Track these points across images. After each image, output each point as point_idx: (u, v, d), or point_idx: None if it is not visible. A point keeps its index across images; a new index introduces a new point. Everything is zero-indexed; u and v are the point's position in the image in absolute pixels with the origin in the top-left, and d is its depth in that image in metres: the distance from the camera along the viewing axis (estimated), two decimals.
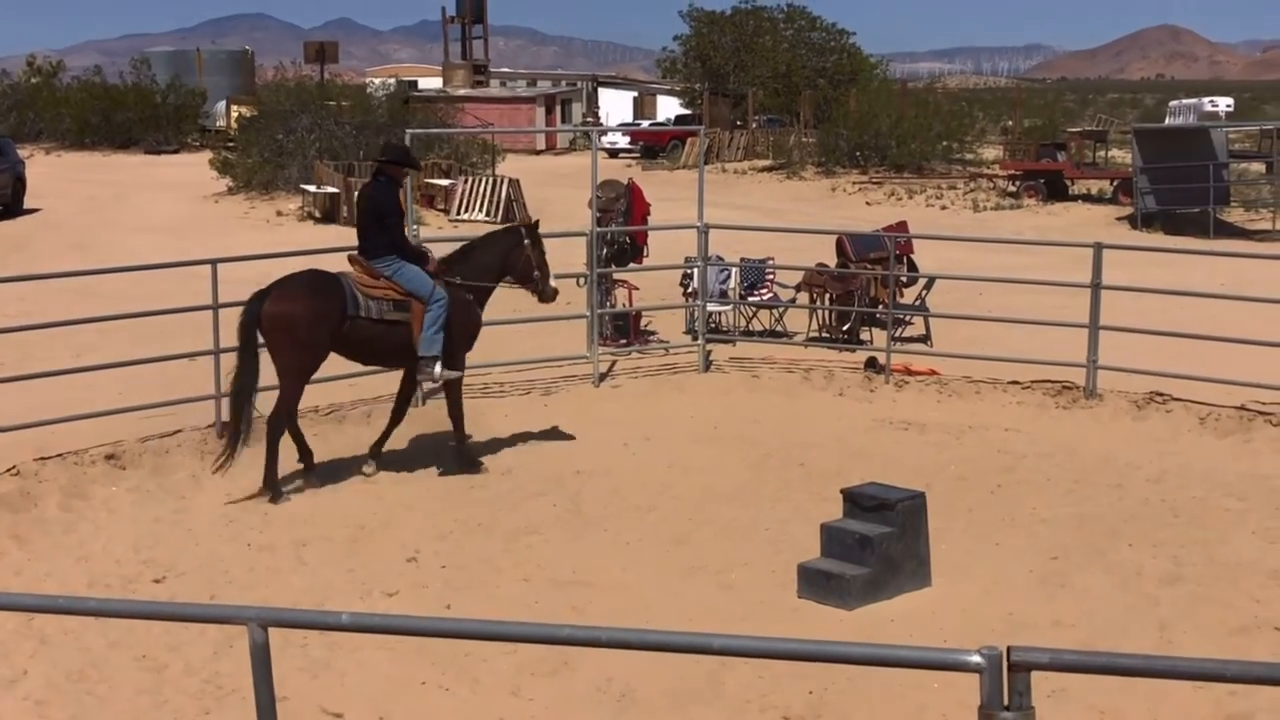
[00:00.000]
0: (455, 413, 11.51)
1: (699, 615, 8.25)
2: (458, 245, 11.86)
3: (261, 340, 10.65)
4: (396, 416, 11.60)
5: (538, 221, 12.34)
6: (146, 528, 10.03)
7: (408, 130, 15.50)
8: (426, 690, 7.34)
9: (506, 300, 16.57)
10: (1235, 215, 32.46)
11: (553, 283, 11.76)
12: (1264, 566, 9.05)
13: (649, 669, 7.21)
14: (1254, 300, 13.68)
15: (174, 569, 9.17)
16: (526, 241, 11.63)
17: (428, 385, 12.07)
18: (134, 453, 11.35)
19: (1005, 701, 3.77)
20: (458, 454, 11.52)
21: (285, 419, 10.80)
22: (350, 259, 11.17)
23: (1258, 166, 41.40)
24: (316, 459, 11.10)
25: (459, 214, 31.27)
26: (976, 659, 3.78)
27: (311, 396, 11.63)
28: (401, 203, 11.64)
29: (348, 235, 12.49)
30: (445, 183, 32.64)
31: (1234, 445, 11.90)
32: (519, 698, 7.26)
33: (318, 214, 29.96)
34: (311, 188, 30.86)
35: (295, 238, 26.29)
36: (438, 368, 11.09)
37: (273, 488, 10.63)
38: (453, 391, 11.47)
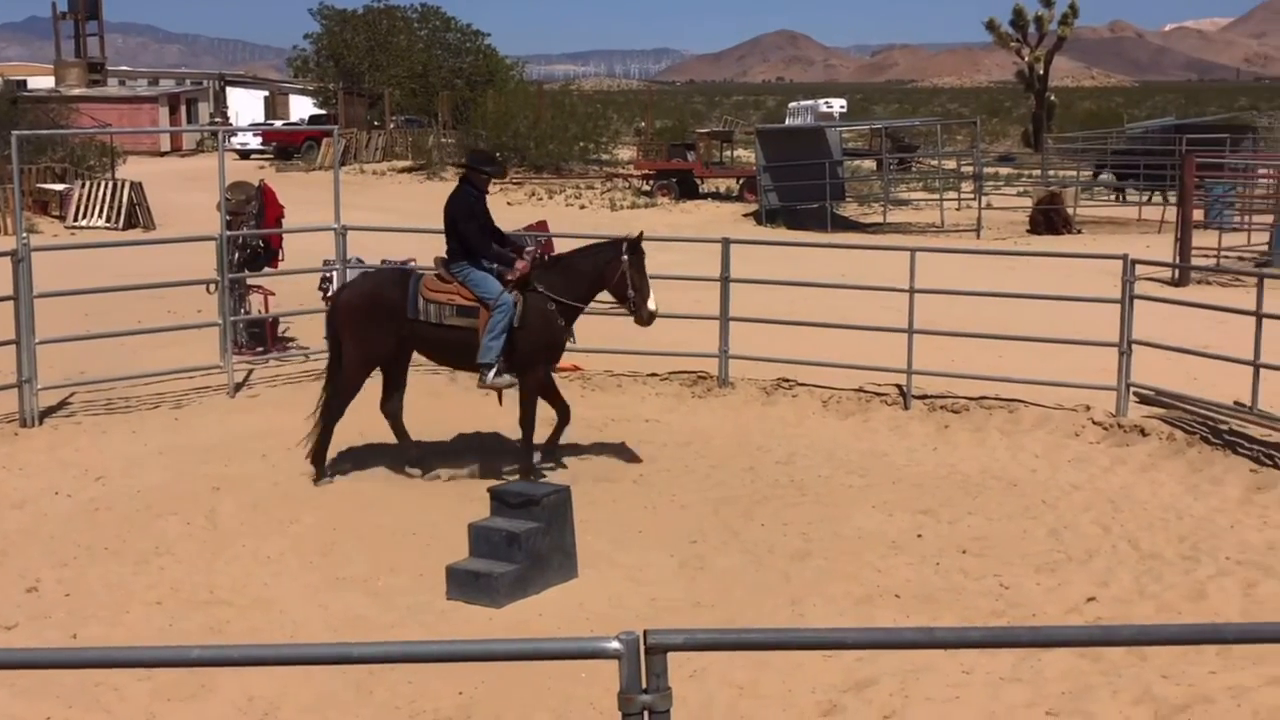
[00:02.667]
0: (525, 422, 11.08)
1: (346, 625, 8.08)
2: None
3: None
4: (560, 414, 11.36)
5: (641, 234, 11.25)
6: None
7: (14, 132, 14.43)
8: None
9: (130, 310, 15.82)
10: (850, 210, 34.60)
11: (653, 304, 10.91)
12: (884, 538, 9.67)
13: (293, 684, 7.00)
14: (868, 289, 14.59)
15: None
16: (625, 256, 10.87)
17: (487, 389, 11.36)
18: None
19: (644, 684, 3.86)
20: (522, 464, 11.06)
21: (339, 405, 11.03)
22: (435, 260, 11.19)
23: (869, 163, 44.32)
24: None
25: (76, 220, 29.41)
26: (615, 645, 3.85)
27: None
28: (474, 208, 11.13)
29: None
30: (60, 188, 30.65)
31: (854, 425, 12.66)
32: None
33: None
34: None
35: None
36: (490, 374, 10.86)
37: (317, 468, 10.96)
38: (527, 400, 11.07)
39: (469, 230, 10.98)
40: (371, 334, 10.94)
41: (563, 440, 11.49)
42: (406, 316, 10.87)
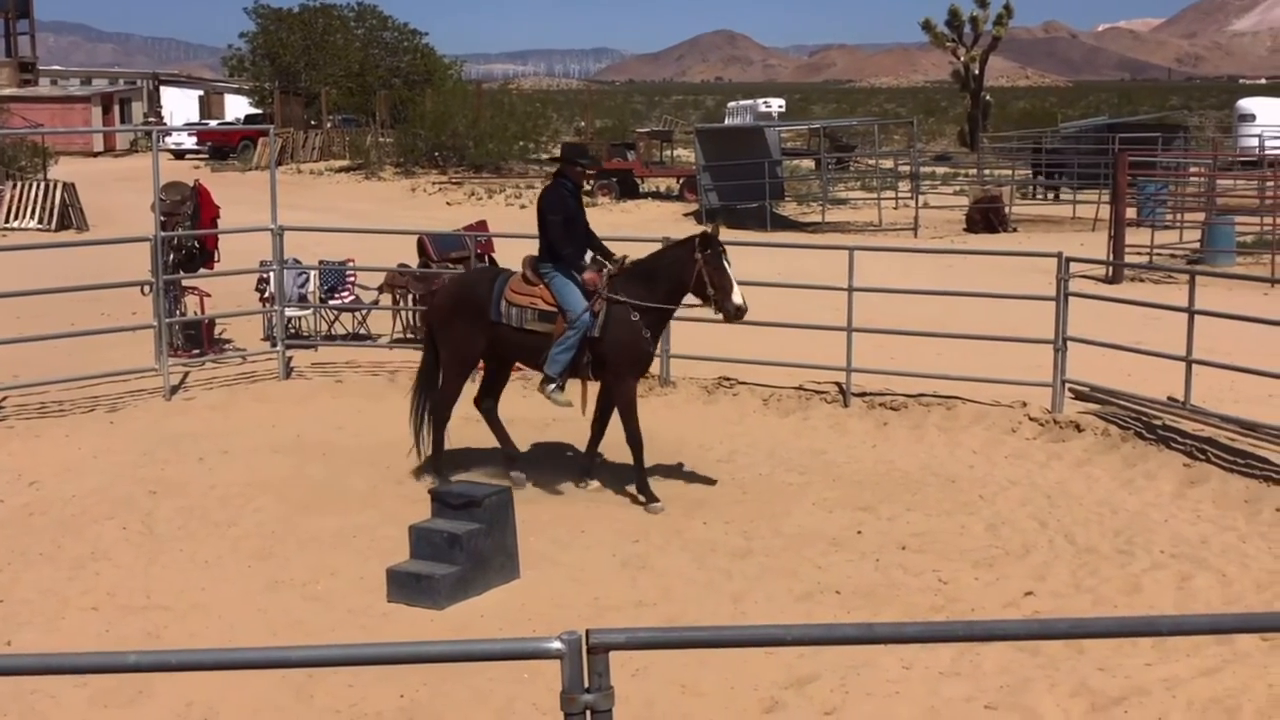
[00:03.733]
0: (633, 440, 10.58)
1: (285, 630, 8.01)
2: None
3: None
4: (596, 431, 11.06)
5: (716, 228, 10.80)
6: None
7: None
8: None
9: (63, 312, 15.59)
10: (789, 209, 34.79)
11: (738, 299, 10.32)
12: (824, 535, 9.73)
13: (231, 689, 6.94)
14: (808, 287, 14.67)
15: None
16: (699, 255, 10.35)
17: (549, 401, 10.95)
18: None
19: (586, 684, 3.86)
20: (637, 481, 10.62)
21: (443, 408, 10.88)
22: (524, 260, 10.87)
23: (807, 163, 44.56)
24: None
25: (8, 222, 28.95)
26: (556, 645, 3.85)
27: None
28: (565, 203, 10.71)
29: None
30: None
31: (794, 423, 12.73)
32: None
33: None
34: None
35: None
36: (549, 388, 10.60)
37: (433, 473, 10.77)
38: (627, 416, 10.60)
39: (552, 227, 10.55)
40: (461, 335, 10.75)
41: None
42: (490, 318, 10.61)
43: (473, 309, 10.73)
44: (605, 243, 10.99)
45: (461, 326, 10.76)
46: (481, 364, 11.26)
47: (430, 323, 11.18)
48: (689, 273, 10.37)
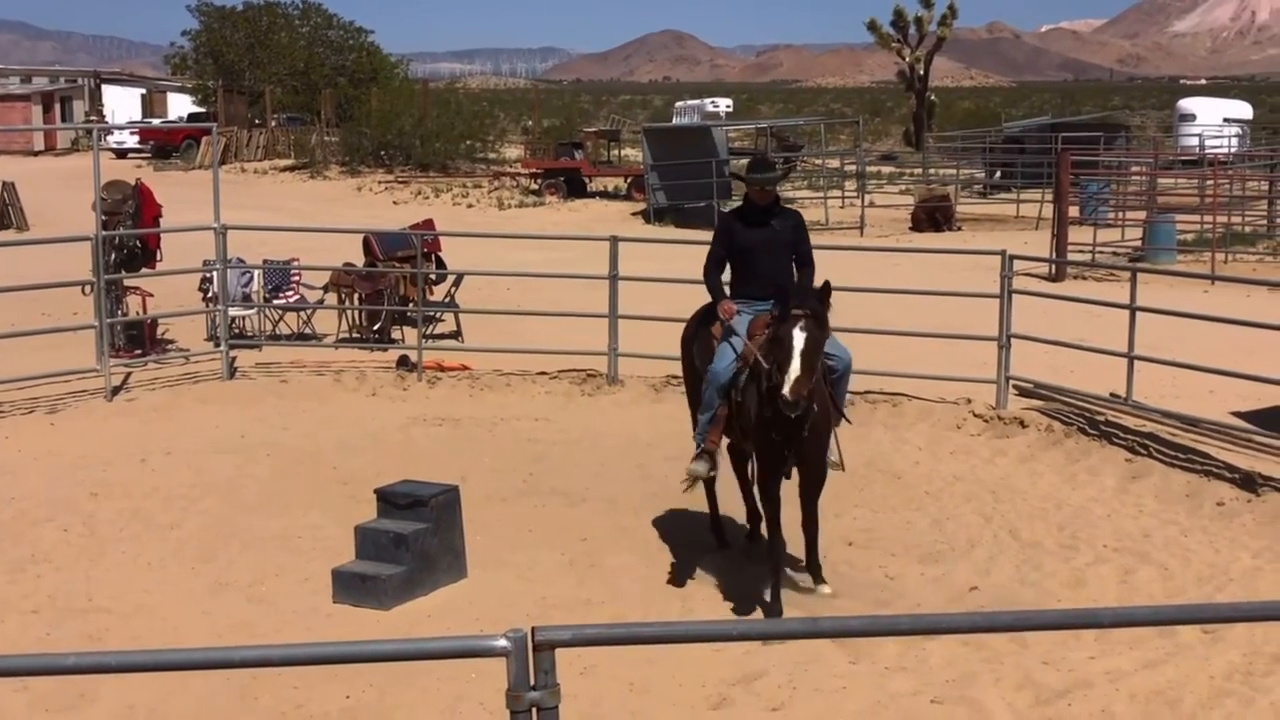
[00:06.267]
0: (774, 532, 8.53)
1: (229, 631, 7.93)
2: None
3: None
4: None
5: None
6: None
7: None
8: None
9: (2, 313, 15.36)
10: None
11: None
12: None
13: (174, 692, 6.87)
14: None
15: None
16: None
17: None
18: None
19: (532, 682, 3.84)
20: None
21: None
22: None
23: None
24: None
25: None
26: (502, 643, 3.83)
27: None
28: (729, 227, 8.90)
29: None
30: None
31: None
32: None
33: None
34: None
35: None
36: (692, 458, 9.01)
37: (716, 535, 9.57)
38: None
39: (709, 253, 9.01)
40: (686, 366, 9.57)
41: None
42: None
43: (685, 343, 9.54)
44: (545, 241, 10.74)
45: (684, 359, 9.55)
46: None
47: None
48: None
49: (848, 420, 8.93)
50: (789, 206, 8.91)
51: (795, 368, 7.66)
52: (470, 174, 42.34)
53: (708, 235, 9.37)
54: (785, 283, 8.32)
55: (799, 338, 7.72)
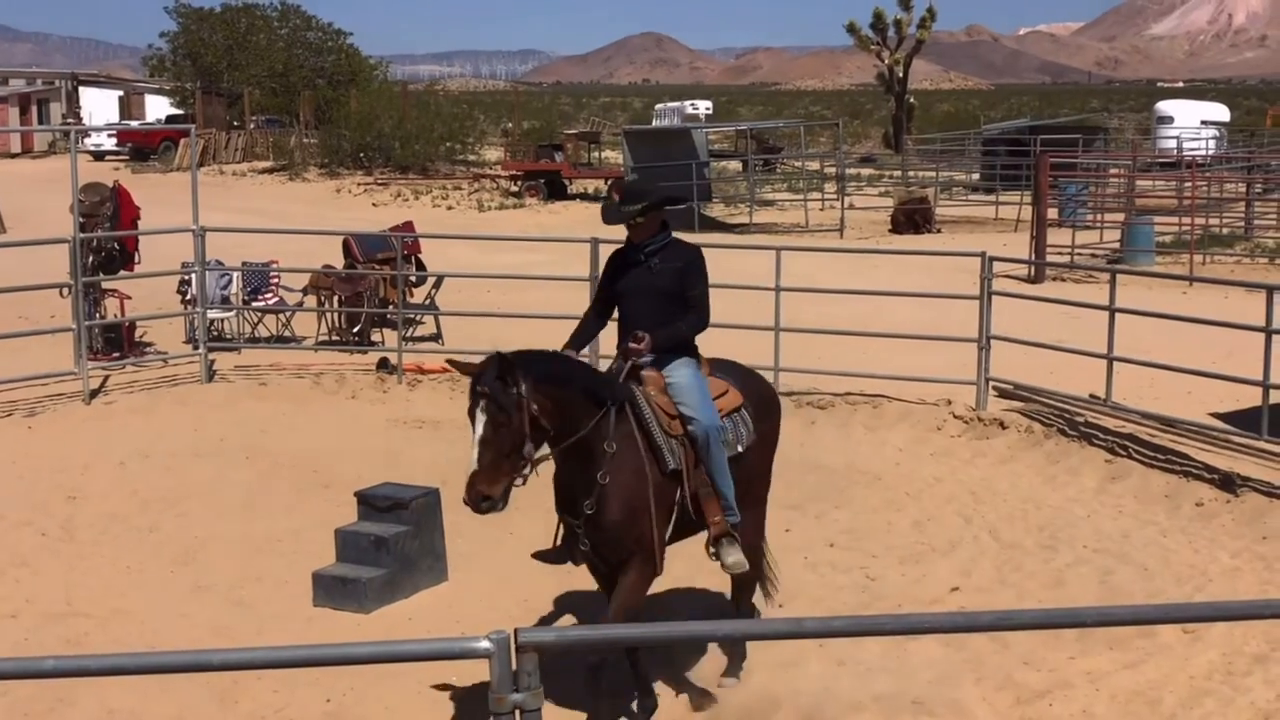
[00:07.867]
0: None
1: (209, 635, 7.90)
2: None
3: None
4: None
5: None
6: None
7: None
8: None
9: None
10: (717, 210, 34.87)
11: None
12: None
13: (153, 696, 6.83)
14: (735, 287, 14.67)
15: None
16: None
17: None
18: None
19: (515, 684, 3.83)
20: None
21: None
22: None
23: (735, 164, 44.75)
24: None
25: None
26: (485, 645, 3.82)
27: None
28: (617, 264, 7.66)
29: None
30: None
31: None
32: None
33: None
34: None
35: None
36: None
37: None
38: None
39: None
40: None
41: None
42: None
43: None
44: (525, 243, 10.72)
45: None
46: None
47: None
48: None
49: (731, 515, 6.92)
50: (684, 242, 7.56)
51: (472, 460, 6.17)
52: (450, 176, 42.26)
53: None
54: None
55: (478, 422, 6.15)
